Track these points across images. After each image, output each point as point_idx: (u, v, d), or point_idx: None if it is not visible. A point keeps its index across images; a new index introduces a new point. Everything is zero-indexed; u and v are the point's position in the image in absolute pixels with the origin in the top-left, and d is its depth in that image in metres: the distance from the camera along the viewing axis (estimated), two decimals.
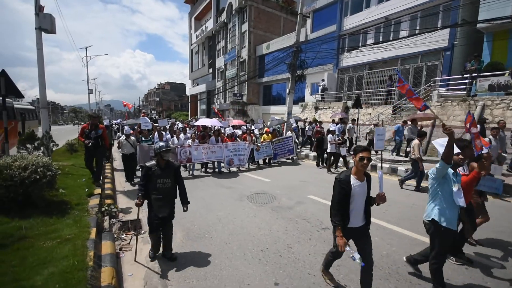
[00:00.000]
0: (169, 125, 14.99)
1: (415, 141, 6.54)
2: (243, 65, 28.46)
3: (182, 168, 8.42)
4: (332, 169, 8.84)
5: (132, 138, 7.66)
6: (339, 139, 8.58)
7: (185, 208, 3.45)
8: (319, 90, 18.39)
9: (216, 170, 9.07)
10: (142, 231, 4.26)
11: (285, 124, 12.93)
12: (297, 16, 13.11)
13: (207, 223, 4.62)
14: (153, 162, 3.33)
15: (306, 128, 13.48)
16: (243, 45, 28.24)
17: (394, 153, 10.13)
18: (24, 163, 4.16)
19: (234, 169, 9.26)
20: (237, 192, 6.55)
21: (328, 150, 8.77)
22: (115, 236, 4.02)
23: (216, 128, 11.06)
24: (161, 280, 3.01)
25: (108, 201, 5.12)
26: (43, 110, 7.67)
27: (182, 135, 9.18)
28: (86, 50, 29.48)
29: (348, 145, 10.45)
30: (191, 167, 8.74)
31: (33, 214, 4.04)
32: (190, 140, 8.69)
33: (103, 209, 4.47)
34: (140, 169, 7.63)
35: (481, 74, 10.17)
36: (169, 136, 9.19)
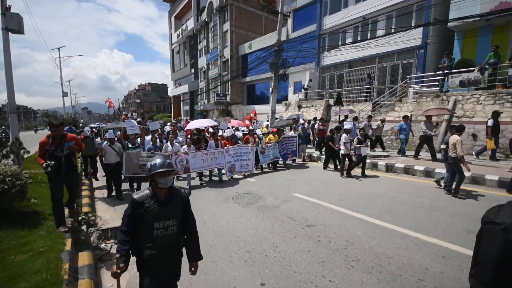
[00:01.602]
0: (167, 126, 13.40)
1: (455, 137, 5.40)
2: (225, 65, 28.26)
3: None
4: (344, 173, 7.78)
5: (117, 144, 6.43)
6: (359, 139, 7.64)
7: (193, 269, 2.13)
8: (302, 89, 18.62)
9: (215, 178, 7.92)
10: None
11: (294, 123, 11.60)
12: (278, 16, 13.19)
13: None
14: (146, 191, 1.96)
15: (305, 126, 12.06)
16: (225, 45, 28.03)
17: (401, 154, 9.59)
18: None
19: (236, 176, 8.14)
20: (222, 193, 6.48)
21: (342, 152, 7.67)
22: (94, 245, 3.83)
23: (211, 130, 9.88)
24: None
25: (85, 209, 4.88)
26: (12, 116, 7.19)
27: (179, 139, 8.06)
28: (59, 50, 28.07)
29: (368, 144, 9.49)
30: (188, 178, 7.42)
31: (2, 226, 3.77)
32: (185, 146, 7.34)
33: (80, 218, 4.25)
34: (129, 181, 6.97)
35: (453, 71, 10.72)
36: (168, 143, 7.47)
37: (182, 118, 36.07)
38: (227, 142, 8.23)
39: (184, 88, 36.75)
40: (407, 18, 13.90)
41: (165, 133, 10.25)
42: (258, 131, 10.08)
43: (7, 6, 6.61)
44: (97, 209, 5.56)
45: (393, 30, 13.68)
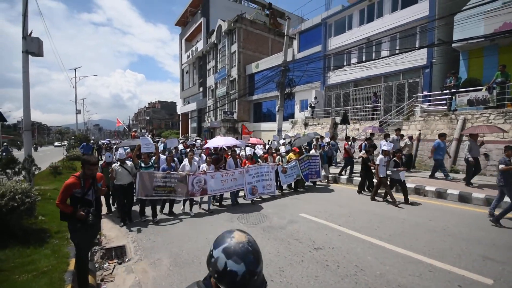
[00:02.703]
0: (180, 144, 11.51)
1: None
2: (233, 84, 28.98)
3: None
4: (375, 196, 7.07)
5: (129, 163, 5.81)
6: (395, 160, 6.76)
7: None
8: (309, 107, 18.80)
9: (224, 202, 7.08)
10: (127, 259, 4.04)
11: (318, 140, 10.46)
12: (284, 38, 13.66)
13: (196, 247, 4.44)
14: None
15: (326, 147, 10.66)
16: (233, 65, 28.93)
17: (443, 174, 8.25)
18: (1, 190, 3.96)
19: (258, 199, 7.36)
20: (227, 213, 6.40)
21: (381, 175, 6.75)
22: (97, 265, 3.79)
23: (231, 148, 8.77)
24: None
25: None
26: (26, 133, 7.46)
27: (196, 158, 7.04)
28: (75, 71, 29.47)
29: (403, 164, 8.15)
30: (208, 201, 6.68)
31: (9, 244, 3.79)
32: (205, 165, 6.62)
33: None
34: (140, 205, 5.92)
35: (460, 90, 10.69)
36: (185, 161, 6.67)
37: (190, 135, 36.59)
38: (247, 161, 7.36)
39: (193, 106, 37.61)
40: (411, 39, 14.16)
41: (178, 152, 9.40)
42: (282, 149, 9.35)
43: (29, 32, 7.08)
44: (102, 227, 5.55)
45: (397, 51, 13.90)
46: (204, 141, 9.97)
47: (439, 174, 8.58)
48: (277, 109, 14.01)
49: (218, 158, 7.47)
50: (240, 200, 7.35)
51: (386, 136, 9.48)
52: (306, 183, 8.76)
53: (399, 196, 6.82)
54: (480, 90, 10.02)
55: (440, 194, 7.06)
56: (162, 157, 7.08)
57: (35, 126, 71.24)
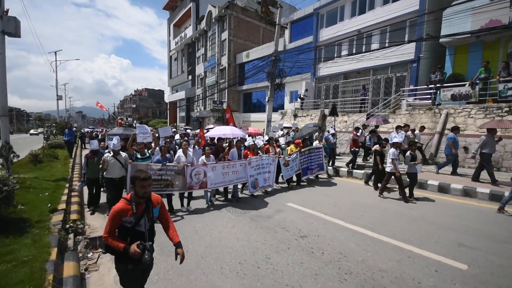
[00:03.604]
0: (175, 133, 11.26)
1: None
2: (223, 73, 28.49)
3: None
4: (386, 193, 6.72)
5: (123, 155, 5.27)
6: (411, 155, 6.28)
7: None
8: (298, 99, 18.82)
9: (230, 196, 6.62)
10: None
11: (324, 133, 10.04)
12: (276, 27, 13.43)
13: (183, 235, 4.41)
14: None
15: (331, 139, 9.89)
16: (223, 53, 28.34)
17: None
18: None
19: (258, 193, 6.94)
20: (216, 202, 6.40)
21: (388, 170, 6.40)
22: (81, 255, 3.71)
23: (232, 138, 8.10)
24: None
25: (73, 217, 4.76)
26: (3, 119, 7.03)
27: (191, 149, 6.38)
28: (55, 54, 27.97)
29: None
30: (206, 195, 6.18)
31: None
32: (203, 157, 6.10)
33: (68, 225, 4.13)
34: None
35: (444, 84, 10.98)
36: (179, 152, 6.07)
37: (178, 124, 35.96)
38: (248, 152, 6.84)
39: (181, 95, 36.83)
40: (400, 33, 14.30)
41: (173, 143, 8.77)
42: (281, 140, 8.86)
43: (5, 10, 6.60)
44: (86, 217, 5.42)
45: (387, 44, 14.03)
46: (200, 131, 8.98)
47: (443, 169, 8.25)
48: (267, 100, 13.93)
49: (217, 149, 6.87)
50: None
51: (398, 128, 9.12)
52: (306, 177, 8.20)
53: (426, 195, 6.63)
54: (464, 85, 10.34)
55: (443, 189, 6.89)
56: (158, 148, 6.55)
57: (13, 112, 67.70)
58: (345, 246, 3.97)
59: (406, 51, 13.32)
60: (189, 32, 34.83)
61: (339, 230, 4.55)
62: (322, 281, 3.09)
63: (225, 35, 27.69)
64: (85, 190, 6.30)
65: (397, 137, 6.75)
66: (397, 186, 6.44)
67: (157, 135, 7.87)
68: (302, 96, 18.43)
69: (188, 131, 15.76)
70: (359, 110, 15.20)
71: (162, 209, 2.40)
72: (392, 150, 6.42)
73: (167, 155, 5.91)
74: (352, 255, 3.69)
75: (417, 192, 6.86)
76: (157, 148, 6.29)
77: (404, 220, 4.98)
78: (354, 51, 16.16)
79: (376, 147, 7.39)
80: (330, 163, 9.89)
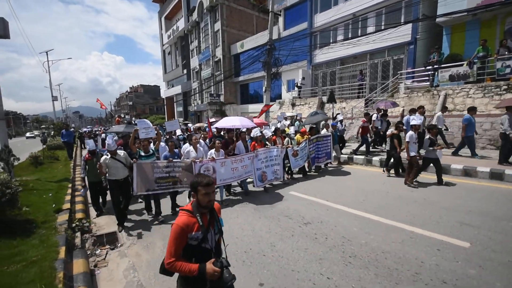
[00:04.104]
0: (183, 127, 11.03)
1: None
2: (218, 65, 28.12)
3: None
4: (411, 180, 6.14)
5: (121, 153, 4.84)
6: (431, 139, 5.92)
7: None
8: (296, 87, 18.67)
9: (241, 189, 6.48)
10: (119, 244, 4.04)
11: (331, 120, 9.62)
12: (269, 14, 13.17)
13: None
14: None
15: (339, 126, 9.47)
16: (217, 44, 27.89)
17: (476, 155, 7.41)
18: None
19: (268, 185, 6.68)
20: (218, 193, 6.44)
21: (412, 154, 6.03)
22: (89, 252, 3.78)
23: (241, 129, 7.66)
24: None
25: (79, 216, 4.81)
26: (0, 123, 7.03)
27: (202, 144, 6.19)
28: (47, 54, 27.52)
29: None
30: (220, 190, 5.90)
31: None
32: (212, 151, 5.73)
33: (74, 224, 4.18)
34: (145, 202, 5.27)
35: (442, 65, 10.88)
36: (184, 147, 5.89)
37: (176, 119, 35.80)
38: (256, 144, 6.49)
39: (177, 89, 36.47)
40: (396, 15, 14.04)
41: (175, 137, 8.37)
42: (291, 130, 8.56)
43: None
44: (91, 215, 5.48)
45: (383, 27, 13.80)
46: (207, 124, 8.49)
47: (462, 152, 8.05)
48: (264, 90, 13.82)
49: (227, 141, 6.37)
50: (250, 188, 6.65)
51: (412, 111, 8.59)
52: (315, 166, 8.03)
53: (426, 177, 6.41)
54: (462, 65, 10.24)
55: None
56: (162, 144, 6.23)
57: (9, 116, 67.20)
58: (348, 230, 4.03)
59: (402, 33, 13.11)
60: (181, 24, 34.13)
61: (342, 216, 4.61)
62: (327, 265, 3.16)
63: (218, 25, 27.17)
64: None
65: (415, 119, 6.33)
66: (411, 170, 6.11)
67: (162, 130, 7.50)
68: (299, 85, 18.28)
69: (189, 125, 15.64)
70: (357, 96, 15.12)
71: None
72: (410, 133, 6.10)
73: (175, 150, 5.59)
74: (355, 239, 3.75)
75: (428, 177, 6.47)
76: (162, 144, 6.10)
77: (406, 203, 5.04)
78: (350, 36, 15.91)
79: (393, 130, 7.00)
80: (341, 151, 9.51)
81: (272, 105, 10.74)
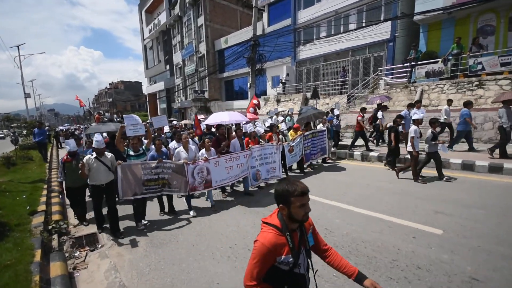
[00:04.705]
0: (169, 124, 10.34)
1: None
2: (202, 61, 27.64)
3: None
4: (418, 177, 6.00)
5: (109, 155, 4.30)
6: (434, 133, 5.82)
7: None
8: (280, 83, 18.76)
9: (238, 189, 6.21)
10: (99, 245, 3.92)
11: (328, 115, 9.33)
12: (253, 10, 13.09)
13: (173, 226, 4.43)
14: None
15: (334, 121, 9.33)
16: (200, 40, 27.36)
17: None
18: None
19: (262, 184, 6.44)
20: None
21: (409, 149, 6.04)
22: (67, 255, 3.63)
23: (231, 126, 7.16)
24: None
25: (55, 217, 4.60)
26: None
27: (191, 143, 5.61)
28: (18, 48, 25.78)
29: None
30: (209, 194, 5.40)
31: None
32: (203, 151, 5.26)
33: (50, 226, 4.00)
34: (133, 207, 4.50)
35: (419, 62, 11.33)
36: (172, 144, 5.76)
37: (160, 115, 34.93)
38: (250, 141, 6.14)
39: (160, 86, 35.51)
40: (376, 12, 14.41)
41: (162, 136, 7.77)
42: (283, 126, 8.32)
43: None
44: (69, 216, 5.26)
45: (364, 24, 14.13)
46: (195, 120, 8.02)
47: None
48: (248, 86, 13.79)
49: (218, 138, 5.94)
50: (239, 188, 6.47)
51: (410, 106, 8.53)
52: (309, 163, 7.74)
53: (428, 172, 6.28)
54: (437, 62, 10.72)
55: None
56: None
57: None
58: (331, 222, 4.15)
59: (382, 31, 13.50)
60: (162, 18, 33.10)
61: (325, 208, 4.73)
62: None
63: (201, 20, 26.62)
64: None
65: (417, 114, 6.12)
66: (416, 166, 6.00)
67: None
68: (283, 81, 18.38)
69: (174, 122, 15.23)
70: (339, 92, 15.44)
71: (314, 232, 1.67)
72: (413, 127, 5.98)
73: (163, 149, 5.04)
74: (337, 230, 3.87)
75: (429, 171, 6.31)
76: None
77: (385, 194, 5.25)
78: (332, 32, 16.16)
79: (391, 124, 6.94)
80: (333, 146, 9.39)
81: (258, 99, 10.34)
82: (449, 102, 8.42)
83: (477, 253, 3.11)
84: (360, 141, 9.19)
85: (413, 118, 6.18)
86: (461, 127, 7.58)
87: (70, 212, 5.47)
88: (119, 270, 3.25)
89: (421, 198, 4.92)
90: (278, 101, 17.76)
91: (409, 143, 6.03)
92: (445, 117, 8.15)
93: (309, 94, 15.35)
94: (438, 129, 6.48)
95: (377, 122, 9.46)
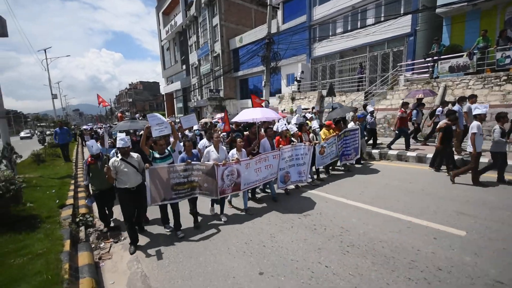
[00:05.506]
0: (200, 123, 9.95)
1: None
2: (217, 60, 27.98)
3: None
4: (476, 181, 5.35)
5: (135, 155, 3.93)
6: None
7: None
8: (295, 81, 18.61)
9: (267, 193, 5.80)
10: (123, 238, 4.13)
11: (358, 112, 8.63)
12: (267, 8, 13.05)
13: (190, 223, 4.57)
14: None
15: (368, 118, 8.77)
16: (215, 39, 27.70)
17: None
18: None
19: (292, 186, 5.92)
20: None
21: (470, 150, 5.28)
22: (93, 246, 3.87)
23: (260, 122, 6.58)
24: (145, 284, 2.96)
25: (82, 211, 4.89)
26: (1, 121, 7.08)
27: (222, 143, 5.21)
28: (45, 52, 27.38)
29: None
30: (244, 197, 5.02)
31: (0, 231, 3.78)
32: (234, 151, 4.85)
33: (78, 219, 4.27)
34: (161, 212, 4.33)
35: (442, 57, 10.82)
36: (202, 142, 5.33)
37: (176, 115, 35.83)
38: (281, 140, 5.57)
39: (177, 85, 36.39)
40: (396, 6, 13.90)
41: (191, 134, 7.47)
42: (314, 124, 7.54)
43: None
44: (94, 210, 5.56)
45: (382, 19, 13.68)
46: (224, 116, 7.54)
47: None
48: (263, 84, 13.79)
49: (249, 138, 5.51)
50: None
51: (461, 100, 7.59)
52: (343, 163, 7.22)
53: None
54: (462, 56, 10.18)
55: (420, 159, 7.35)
56: (180, 143, 5.34)
57: (10, 115, 67.29)
58: (347, 221, 4.11)
59: (402, 25, 13.00)
60: (179, 19, 33.85)
61: (340, 207, 4.68)
62: (325, 254, 3.23)
63: (216, 20, 26.93)
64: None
65: (479, 108, 5.36)
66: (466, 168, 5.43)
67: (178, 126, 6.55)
68: (298, 79, 18.22)
69: (205, 120, 15.49)
70: (356, 89, 15.07)
71: None
72: (475, 123, 5.25)
73: (193, 150, 4.55)
74: (353, 229, 3.83)
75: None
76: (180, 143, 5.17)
77: (404, 194, 5.10)
78: (349, 28, 15.79)
79: (441, 123, 6.24)
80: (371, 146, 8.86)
81: (264, 100, 9.96)
82: (472, 98, 7.40)
83: (502, 255, 2.96)
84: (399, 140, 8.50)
85: (474, 113, 5.43)
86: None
87: (94, 206, 5.78)
88: (141, 261, 3.42)
89: (442, 198, 4.73)
90: (293, 99, 17.64)
91: (469, 142, 5.26)
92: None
93: (324, 92, 15.13)
94: (507, 125, 5.60)
95: (414, 119, 9.00)
